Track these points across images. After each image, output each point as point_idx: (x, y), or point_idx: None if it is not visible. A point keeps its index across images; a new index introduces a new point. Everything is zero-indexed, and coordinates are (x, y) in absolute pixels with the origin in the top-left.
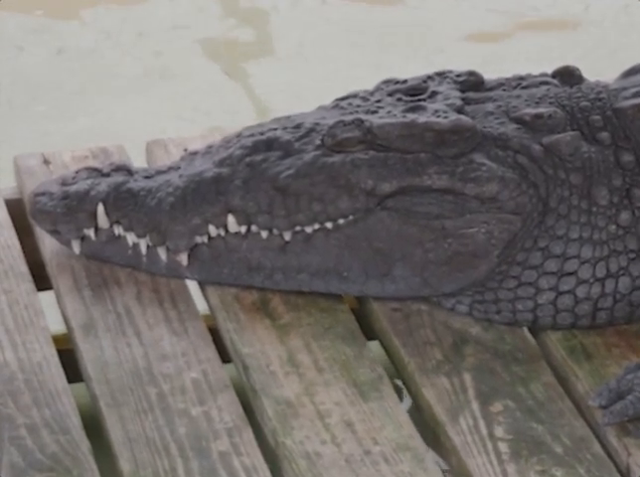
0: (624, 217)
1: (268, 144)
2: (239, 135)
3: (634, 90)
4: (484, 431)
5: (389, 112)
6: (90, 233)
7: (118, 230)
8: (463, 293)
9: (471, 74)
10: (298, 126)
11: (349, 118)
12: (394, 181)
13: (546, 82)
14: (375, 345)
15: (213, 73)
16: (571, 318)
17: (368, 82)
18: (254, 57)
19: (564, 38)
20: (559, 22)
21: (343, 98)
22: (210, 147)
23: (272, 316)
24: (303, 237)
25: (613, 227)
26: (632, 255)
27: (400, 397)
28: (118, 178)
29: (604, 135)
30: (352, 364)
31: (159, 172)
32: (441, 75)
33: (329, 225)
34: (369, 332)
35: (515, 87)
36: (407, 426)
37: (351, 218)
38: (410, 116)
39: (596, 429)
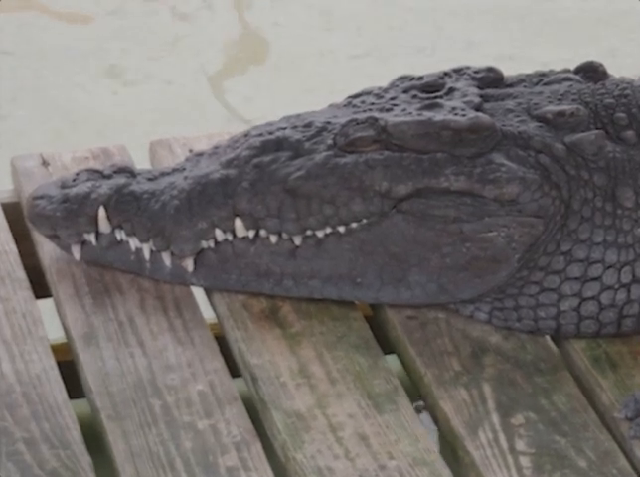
0: None
1: (278, 144)
2: (246, 135)
3: None
4: (504, 445)
5: (404, 110)
6: (91, 237)
7: (120, 234)
8: (482, 300)
9: (490, 69)
10: (309, 125)
11: (362, 117)
12: (409, 182)
13: (568, 79)
14: (391, 358)
15: None
16: (596, 326)
17: None
18: None
19: None
20: None
21: (356, 96)
22: (216, 148)
23: (282, 325)
24: (314, 241)
25: (639, 230)
26: None
27: None
28: (120, 180)
29: (629, 134)
30: (366, 374)
31: (163, 174)
32: (459, 71)
33: (341, 228)
34: (383, 341)
35: (536, 84)
36: (424, 440)
37: (364, 221)
38: (427, 114)
39: (622, 443)
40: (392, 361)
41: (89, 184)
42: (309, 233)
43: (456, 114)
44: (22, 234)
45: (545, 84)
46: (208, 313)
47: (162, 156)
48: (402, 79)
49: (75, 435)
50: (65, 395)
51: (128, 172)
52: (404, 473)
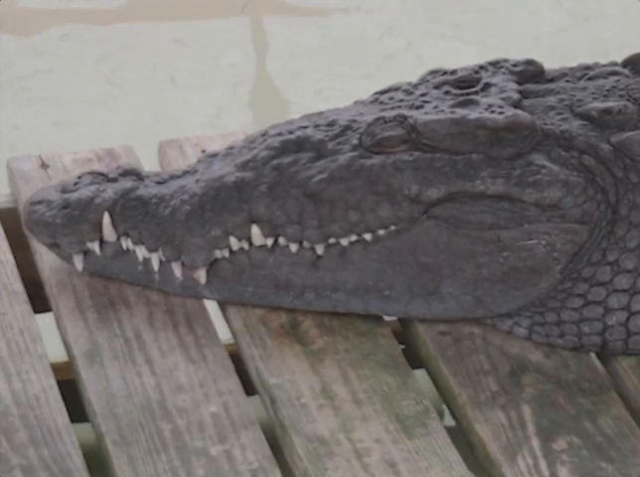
0: None
1: (298, 144)
2: (264, 134)
3: None
4: (546, 472)
5: (435, 107)
6: (95, 246)
7: (127, 243)
8: (521, 314)
9: (529, 62)
10: (332, 124)
11: (390, 114)
12: (441, 186)
13: (615, 73)
14: (420, 374)
15: None
16: None
17: None
18: None
19: None
20: None
21: (383, 92)
22: (231, 148)
23: (303, 341)
24: (338, 250)
25: None
26: None
27: None
28: (126, 184)
29: None
30: (394, 395)
31: (173, 177)
32: (496, 64)
33: (368, 236)
34: (413, 359)
35: (580, 78)
36: (458, 467)
37: (393, 228)
38: (460, 112)
39: None
40: (420, 376)
41: (93, 188)
42: (332, 241)
43: (493, 112)
44: (19, 242)
45: (589, 79)
46: (222, 329)
47: (172, 157)
48: (434, 73)
49: (76, 462)
50: (66, 417)
51: (135, 175)
52: None
